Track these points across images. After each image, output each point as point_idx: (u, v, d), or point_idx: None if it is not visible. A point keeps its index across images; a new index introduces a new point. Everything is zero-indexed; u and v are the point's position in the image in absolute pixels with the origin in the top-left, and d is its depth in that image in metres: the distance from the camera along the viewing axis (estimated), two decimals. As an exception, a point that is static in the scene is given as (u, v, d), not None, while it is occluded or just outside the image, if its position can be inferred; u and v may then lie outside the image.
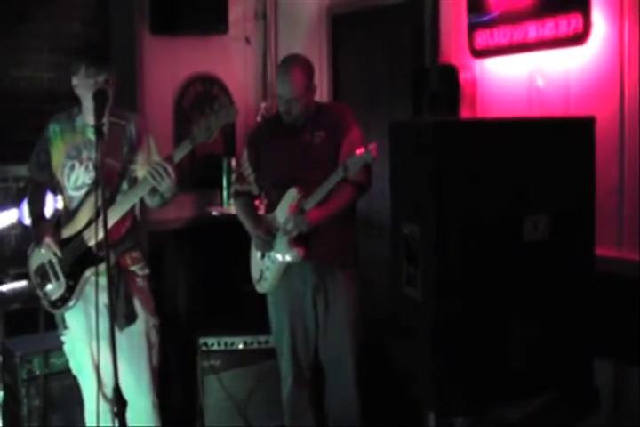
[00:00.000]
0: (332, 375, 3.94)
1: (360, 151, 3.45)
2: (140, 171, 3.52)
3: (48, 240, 3.49)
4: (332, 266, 3.82)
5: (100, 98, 3.24)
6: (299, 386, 3.97)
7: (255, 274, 3.96)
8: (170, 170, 3.30)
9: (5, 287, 4.48)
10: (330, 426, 4.01)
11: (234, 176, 5.30)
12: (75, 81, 3.45)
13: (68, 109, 3.61)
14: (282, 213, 3.76)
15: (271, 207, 3.89)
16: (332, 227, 3.71)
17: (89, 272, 3.42)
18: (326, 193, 3.58)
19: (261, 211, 4.11)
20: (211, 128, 3.27)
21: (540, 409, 2.61)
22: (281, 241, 3.75)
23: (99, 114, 3.16)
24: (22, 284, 4.37)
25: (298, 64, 3.78)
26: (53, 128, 3.59)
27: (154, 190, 3.40)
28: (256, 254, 3.94)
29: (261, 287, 3.94)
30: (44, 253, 3.53)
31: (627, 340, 3.21)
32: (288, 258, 3.75)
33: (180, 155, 3.36)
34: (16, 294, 4.37)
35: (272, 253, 3.81)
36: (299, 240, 3.72)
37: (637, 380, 3.24)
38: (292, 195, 3.72)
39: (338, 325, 3.85)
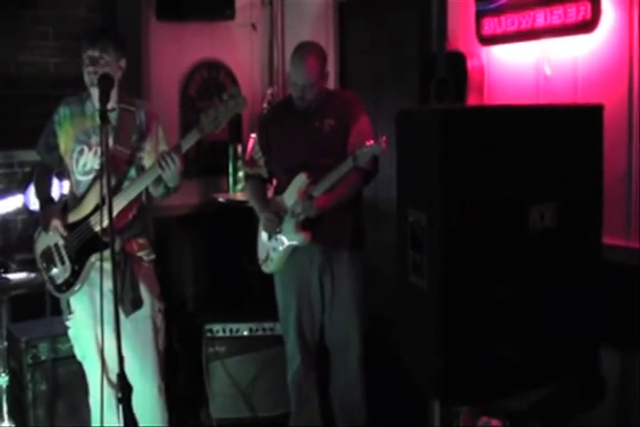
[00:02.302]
0: (337, 357, 3.97)
1: (370, 143, 3.50)
2: (148, 159, 3.52)
3: (55, 223, 3.49)
4: (338, 248, 3.85)
5: (103, 83, 3.23)
6: (305, 368, 4.00)
7: (261, 255, 3.99)
8: (177, 160, 3.30)
9: (11, 273, 4.49)
10: (334, 410, 4.04)
11: (240, 162, 5.37)
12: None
13: (79, 93, 3.61)
14: (290, 196, 3.79)
15: (280, 190, 3.92)
16: (339, 210, 3.76)
17: (94, 257, 3.43)
18: (335, 181, 3.61)
19: (270, 194, 4.13)
20: (219, 118, 3.27)
21: (546, 399, 2.60)
22: (288, 224, 3.78)
23: (103, 99, 3.15)
24: (28, 269, 4.38)
25: (312, 51, 3.81)
26: (63, 111, 3.59)
27: (158, 179, 3.40)
28: (263, 235, 3.96)
29: (267, 267, 3.97)
30: (51, 237, 3.55)
31: (633, 329, 3.21)
32: (295, 242, 3.78)
33: (187, 144, 3.36)
34: (22, 280, 4.38)
35: (279, 236, 3.84)
36: (306, 224, 3.74)
37: (643, 369, 3.25)
38: (301, 180, 3.75)
39: (344, 305, 3.89)
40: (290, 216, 3.77)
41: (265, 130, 4.02)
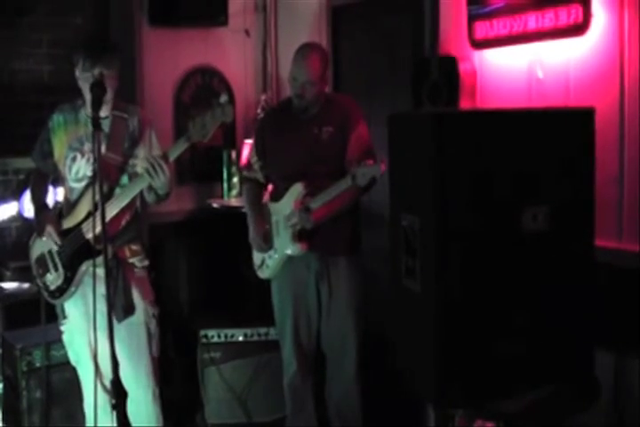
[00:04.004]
0: (334, 362, 3.96)
1: (370, 162, 3.45)
2: (141, 165, 3.51)
3: (49, 229, 3.50)
4: (335, 254, 3.84)
5: (96, 90, 3.23)
6: (301, 374, 3.99)
7: (257, 260, 3.98)
8: (165, 167, 3.29)
9: (6, 280, 4.49)
10: (330, 415, 4.02)
11: (234, 167, 5.38)
12: (77, 73, 3.45)
13: (73, 101, 3.61)
14: (287, 206, 3.76)
15: (276, 196, 3.90)
16: (336, 217, 3.73)
17: (86, 265, 3.42)
18: (333, 197, 3.58)
19: (266, 197, 4.12)
20: (206, 126, 3.25)
21: (541, 401, 2.60)
22: (284, 234, 3.76)
23: (95, 106, 3.15)
24: (23, 276, 4.38)
25: (316, 50, 3.80)
26: (57, 118, 3.59)
27: (150, 186, 3.40)
28: None
29: (263, 273, 3.96)
30: (45, 243, 3.55)
31: (627, 330, 3.21)
32: (290, 251, 3.76)
33: (175, 153, 3.35)
34: (17, 287, 4.38)
35: (274, 244, 3.82)
36: (302, 233, 3.72)
37: (638, 370, 3.24)
38: (297, 190, 3.72)
39: (341, 312, 3.87)
40: (286, 226, 3.76)
41: (262, 134, 4.01)
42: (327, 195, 3.59)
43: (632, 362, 3.27)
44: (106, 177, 3.30)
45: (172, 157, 3.34)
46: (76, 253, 3.46)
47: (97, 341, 3.19)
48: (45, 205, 3.71)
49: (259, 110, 5.54)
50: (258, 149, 3.99)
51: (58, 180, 3.75)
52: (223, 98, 3.32)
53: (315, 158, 3.75)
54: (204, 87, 5.59)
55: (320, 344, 3.99)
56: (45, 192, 3.76)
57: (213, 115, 3.25)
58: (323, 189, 3.60)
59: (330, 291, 3.86)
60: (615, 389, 3.29)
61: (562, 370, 2.62)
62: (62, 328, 3.65)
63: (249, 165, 4.07)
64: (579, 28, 3.37)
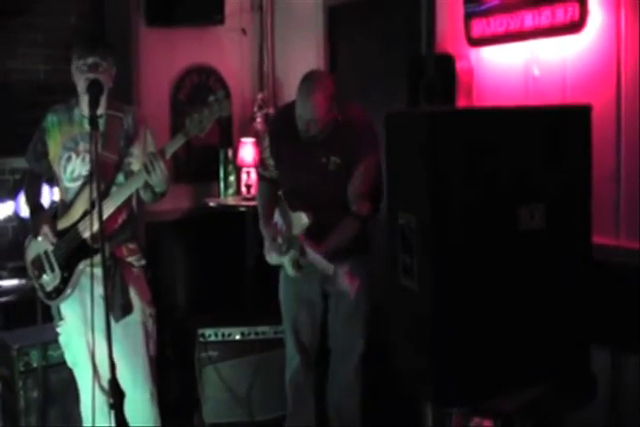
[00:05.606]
0: (338, 361, 3.95)
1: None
2: (136, 164, 3.50)
3: (45, 229, 3.48)
4: (341, 260, 3.77)
5: (93, 89, 3.22)
6: (303, 367, 3.97)
7: (266, 244, 3.90)
8: (162, 163, 3.28)
9: (3, 280, 4.48)
10: (330, 412, 4.02)
11: (231, 166, 5.37)
12: (72, 68, 3.44)
13: (67, 101, 3.61)
14: (293, 228, 3.67)
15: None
16: None
17: (83, 264, 3.41)
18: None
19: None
20: (203, 122, 3.25)
21: (537, 398, 2.60)
22: (287, 252, 3.72)
23: (92, 104, 3.15)
24: (20, 276, 4.38)
25: (320, 83, 3.60)
26: (51, 119, 3.58)
27: (147, 184, 3.39)
28: None
29: (271, 259, 3.88)
30: (41, 244, 3.53)
31: (624, 328, 3.21)
32: (287, 270, 3.72)
33: (172, 148, 3.34)
34: (14, 287, 4.37)
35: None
36: (301, 262, 3.68)
37: (635, 368, 3.24)
38: (302, 221, 3.60)
39: (348, 312, 3.85)
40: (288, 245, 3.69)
41: (274, 137, 3.88)
42: (330, 247, 3.58)
43: (629, 359, 3.27)
44: (102, 176, 3.29)
45: (170, 152, 3.33)
46: (72, 252, 3.45)
47: (94, 341, 3.18)
48: (40, 206, 3.70)
49: (255, 109, 5.55)
50: (272, 149, 3.88)
51: (53, 180, 3.73)
52: (221, 93, 3.32)
53: (321, 188, 3.69)
54: (200, 86, 5.59)
55: (325, 340, 3.97)
56: (39, 193, 3.75)
57: (211, 110, 3.25)
58: (326, 224, 3.59)
59: (337, 290, 3.83)
60: (612, 386, 3.29)
61: (559, 368, 2.62)
62: (58, 330, 3.63)
63: (263, 163, 4.00)
64: (575, 26, 3.38)
